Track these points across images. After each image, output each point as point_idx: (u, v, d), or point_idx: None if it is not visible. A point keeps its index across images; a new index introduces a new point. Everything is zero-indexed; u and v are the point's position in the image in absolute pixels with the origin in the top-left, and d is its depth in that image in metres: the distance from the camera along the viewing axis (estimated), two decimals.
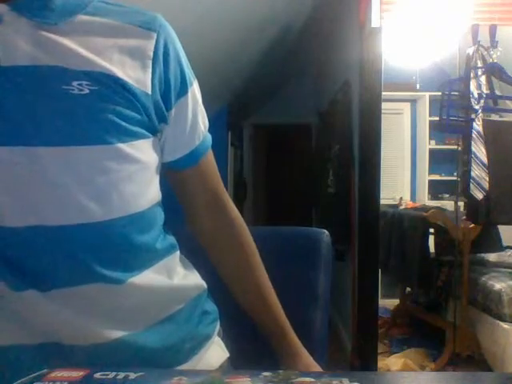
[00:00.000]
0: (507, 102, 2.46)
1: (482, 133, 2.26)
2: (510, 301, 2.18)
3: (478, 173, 2.25)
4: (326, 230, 0.89)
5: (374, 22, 2.14)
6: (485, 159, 2.25)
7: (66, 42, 0.51)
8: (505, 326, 2.16)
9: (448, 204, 3.20)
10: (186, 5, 1.90)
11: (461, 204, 2.52)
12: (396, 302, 3.06)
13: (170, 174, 0.66)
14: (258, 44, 3.11)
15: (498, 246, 2.72)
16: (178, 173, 0.66)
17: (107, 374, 0.43)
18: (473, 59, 2.28)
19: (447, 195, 3.60)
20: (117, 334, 0.54)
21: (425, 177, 3.83)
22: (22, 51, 0.50)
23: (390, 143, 3.75)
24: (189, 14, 1.98)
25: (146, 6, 1.75)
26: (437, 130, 2.94)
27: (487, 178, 2.25)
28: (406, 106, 4.00)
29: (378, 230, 2.22)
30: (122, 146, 0.52)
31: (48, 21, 0.51)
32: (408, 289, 3.03)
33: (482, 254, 2.61)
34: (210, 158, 0.68)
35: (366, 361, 2.16)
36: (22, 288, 0.51)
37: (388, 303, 3.12)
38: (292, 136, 5.19)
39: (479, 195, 2.25)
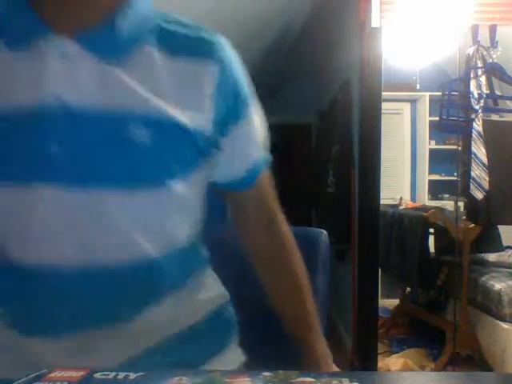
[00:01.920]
0: (507, 101, 2.46)
1: (481, 133, 2.26)
2: (510, 301, 2.18)
3: (478, 173, 2.25)
4: (324, 230, 0.89)
5: (374, 22, 2.14)
6: (485, 159, 2.25)
7: (128, 80, 0.50)
8: (505, 325, 2.16)
9: (448, 204, 3.20)
10: (186, 5, 1.90)
11: (461, 204, 2.52)
12: (396, 302, 3.06)
13: (224, 193, 0.67)
14: (257, 44, 3.11)
15: (498, 246, 2.72)
16: (233, 193, 0.66)
17: (107, 374, 0.43)
18: (473, 59, 2.28)
19: (447, 195, 3.60)
20: (140, 348, 0.55)
21: (425, 177, 3.82)
22: (85, 89, 0.49)
23: (390, 143, 3.74)
24: (189, 14, 1.98)
25: None
26: (437, 130, 2.94)
27: (487, 178, 2.25)
28: (406, 106, 3.99)
29: (378, 230, 2.22)
30: (179, 185, 0.53)
31: (112, 56, 0.50)
32: (408, 289, 3.03)
33: (482, 254, 2.61)
34: (266, 179, 0.67)
35: (365, 361, 2.16)
36: (33, 333, 0.51)
37: (388, 303, 3.11)
38: (292, 136, 5.20)
39: (479, 195, 2.25)
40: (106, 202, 0.49)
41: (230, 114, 0.57)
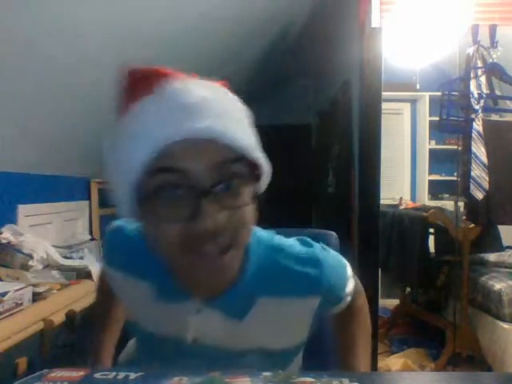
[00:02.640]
0: (507, 102, 2.46)
1: (481, 133, 2.26)
2: (510, 301, 2.18)
3: (478, 173, 2.25)
4: (334, 232, 0.90)
5: (374, 22, 2.14)
6: (485, 159, 2.25)
7: (246, 330, 0.62)
8: (505, 325, 2.16)
9: (448, 204, 3.20)
10: (186, 5, 1.90)
11: (461, 204, 2.52)
12: (396, 302, 3.06)
13: None
14: (257, 44, 3.11)
15: (498, 246, 2.72)
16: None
17: (107, 374, 0.43)
18: (473, 59, 2.28)
19: (447, 195, 3.60)
20: None
21: (425, 177, 3.82)
22: (214, 337, 0.62)
23: (390, 143, 3.75)
24: (189, 14, 1.98)
25: (146, 5, 1.74)
26: (437, 130, 2.94)
27: (487, 178, 2.24)
28: (406, 106, 3.99)
29: (378, 230, 2.21)
30: None
31: (233, 316, 0.61)
32: (408, 289, 3.03)
33: (482, 254, 2.61)
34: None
35: None
36: None
37: (388, 303, 3.11)
38: (292, 136, 5.20)
39: (479, 195, 2.25)
40: None
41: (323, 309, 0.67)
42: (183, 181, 0.48)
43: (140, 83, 0.50)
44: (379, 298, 2.28)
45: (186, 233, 0.49)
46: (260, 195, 0.64)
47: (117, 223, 0.69)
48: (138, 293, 0.65)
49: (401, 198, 3.67)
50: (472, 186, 2.25)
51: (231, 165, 0.50)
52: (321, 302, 0.64)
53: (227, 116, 0.51)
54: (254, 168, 0.54)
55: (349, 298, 0.73)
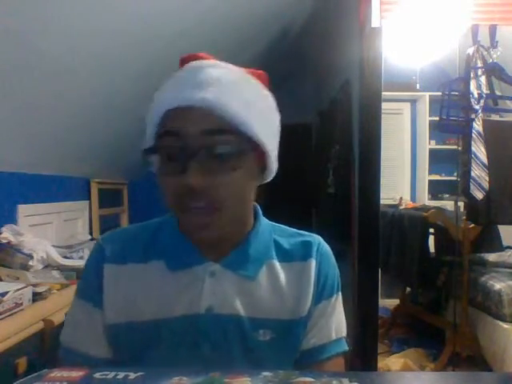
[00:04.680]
0: (507, 101, 2.46)
1: (481, 133, 2.26)
2: (510, 301, 2.18)
3: (478, 173, 2.25)
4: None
5: (374, 22, 2.14)
6: (485, 159, 2.25)
7: (259, 292, 0.66)
8: (505, 325, 2.16)
9: (448, 204, 3.20)
10: (187, 5, 1.90)
11: (461, 204, 2.52)
12: (396, 302, 3.06)
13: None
14: (257, 44, 3.11)
15: (498, 246, 2.72)
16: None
17: (107, 374, 0.43)
18: (473, 59, 2.28)
19: (447, 195, 3.61)
20: None
21: (425, 177, 3.83)
22: (228, 301, 0.64)
23: (390, 143, 3.75)
24: (189, 14, 1.98)
25: (147, 5, 1.74)
26: (437, 130, 2.94)
27: (487, 178, 2.24)
28: (406, 106, 4.00)
29: (378, 230, 2.21)
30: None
31: (247, 273, 0.66)
32: (408, 289, 3.03)
33: (482, 254, 2.61)
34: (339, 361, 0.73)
35: (366, 361, 2.16)
36: None
37: (388, 303, 3.12)
38: (292, 136, 5.20)
39: (479, 195, 2.25)
40: None
41: (320, 295, 0.70)
42: (178, 142, 0.57)
43: (185, 57, 0.63)
44: (379, 297, 2.28)
45: (178, 186, 0.57)
46: (259, 195, 0.70)
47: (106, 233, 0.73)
48: (146, 275, 0.66)
49: (401, 198, 3.68)
50: (472, 186, 2.25)
51: (222, 135, 0.57)
52: (316, 287, 0.69)
53: (231, 94, 0.58)
54: (256, 147, 0.61)
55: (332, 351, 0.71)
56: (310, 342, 0.69)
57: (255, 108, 0.60)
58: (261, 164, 0.65)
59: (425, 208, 2.81)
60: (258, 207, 0.72)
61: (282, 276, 0.68)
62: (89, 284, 0.69)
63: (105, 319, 0.66)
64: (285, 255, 0.70)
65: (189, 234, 0.65)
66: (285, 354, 0.67)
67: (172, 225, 0.69)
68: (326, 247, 0.74)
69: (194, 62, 0.61)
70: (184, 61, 0.63)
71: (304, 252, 0.70)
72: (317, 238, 0.74)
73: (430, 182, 3.81)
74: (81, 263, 1.83)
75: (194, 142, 0.56)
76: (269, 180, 0.69)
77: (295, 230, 0.75)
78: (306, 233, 0.74)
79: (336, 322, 0.72)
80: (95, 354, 0.65)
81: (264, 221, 0.72)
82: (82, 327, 0.67)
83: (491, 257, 2.60)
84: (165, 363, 0.63)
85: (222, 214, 0.59)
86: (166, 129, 0.59)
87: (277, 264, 0.69)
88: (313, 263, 0.69)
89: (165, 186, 0.60)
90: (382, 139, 2.18)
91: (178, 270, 0.65)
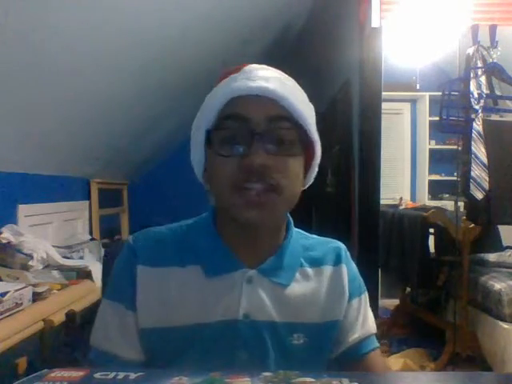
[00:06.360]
0: (507, 101, 2.46)
1: (481, 133, 2.26)
2: (510, 301, 2.17)
3: (478, 173, 2.25)
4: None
5: (374, 22, 2.14)
6: (485, 159, 2.25)
7: (292, 298, 0.68)
8: (505, 325, 2.16)
9: (448, 204, 3.20)
10: (187, 5, 1.90)
11: (461, 204, 2.52)
12: (396, 302, 3.06)
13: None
14: (257, 44, 3.11)
15: (498, 246, 2.72)
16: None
17: (107, 374, 0.43)
18: (473, 59, 2.28)
19: (447, 195, 3.61)
20: None
21: (425, 177, 3.83)
22: (264, 308, 0.66)
23: (390, 143, 3.75)
24: (189, 14, 1.98)
25: (147, 5, 1.74)
26: (437, 130, 2.94)
27: (487, 178, 2.24)
28: (406, 106, 4.00)
29: (378, 230, 2.22)
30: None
31: (282, 281, 0.67)
32: (408, 289, 3.03)
33: (482, 254, 2.60)
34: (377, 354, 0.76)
35: None
36: None
37: (388, 303, 3.12)
38: None
39: (479, 195, 2.25)
40: None
41: (352, 296, 0.74)
42: (242, 124, 0.61)
43: (232, 69, 0.68)
44: (379, 298, 2.28)
45: (238, 167, 0.60)
46: None
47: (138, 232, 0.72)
48: (183, 279, 0.66)
49: (401, 197, 3.68)
50: (472, 186, 2.25)
51: (285, 122, 0.62)
52: (349, 288, 0.73)
53: (289, 88, 0.65)
54: (307, 147, 0.66)
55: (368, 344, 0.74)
56: (354, 336, 0.72)
57: (299, 99, 0.66)
58: (306, 168, 0.68)
59: (425, 208, 2.80)
60: (289, 216, 0.73)
61: (313, 281, 0.71)
62: (120, 285, 0.67)
63: (138, 322, 0.64)
64: (315, 261, 0.72)
65: (239, 215, 0.63)
66: (318, 355, 0.69)
67: (208, 228, 0.69)
68: (347, 251, 0.78)
69: (248, 65, 0.67)
70: (228, 73, 0.68)
71: (334, 257, 0.74)
72: (341, 244, 0.77)
73: (430, 182, 3.81)
74: (81, 263, 1.83)
75: (259, 126, 0.60)
76: (305, 188, 0.71)
77: (316, 235, 0.78)
78: (329, 238, 0.78)
79: (371, 316, 0.77)
80: (128, 356, 0.64)
81: (294, 228, 0.75)
82: (114, 329, 0.65)
83: (491, 257, 2.60)
84: (199, 368, 0.62)
85: (278, 196, 0.61)
86: (233, 112, 0.62)
87: (308, 270, 0.71)
88: (344, 268, 0.73)
89: (223, 166, 0.61)
90: (381, 139, 2.18)
91: (215, 275, 0.66)
